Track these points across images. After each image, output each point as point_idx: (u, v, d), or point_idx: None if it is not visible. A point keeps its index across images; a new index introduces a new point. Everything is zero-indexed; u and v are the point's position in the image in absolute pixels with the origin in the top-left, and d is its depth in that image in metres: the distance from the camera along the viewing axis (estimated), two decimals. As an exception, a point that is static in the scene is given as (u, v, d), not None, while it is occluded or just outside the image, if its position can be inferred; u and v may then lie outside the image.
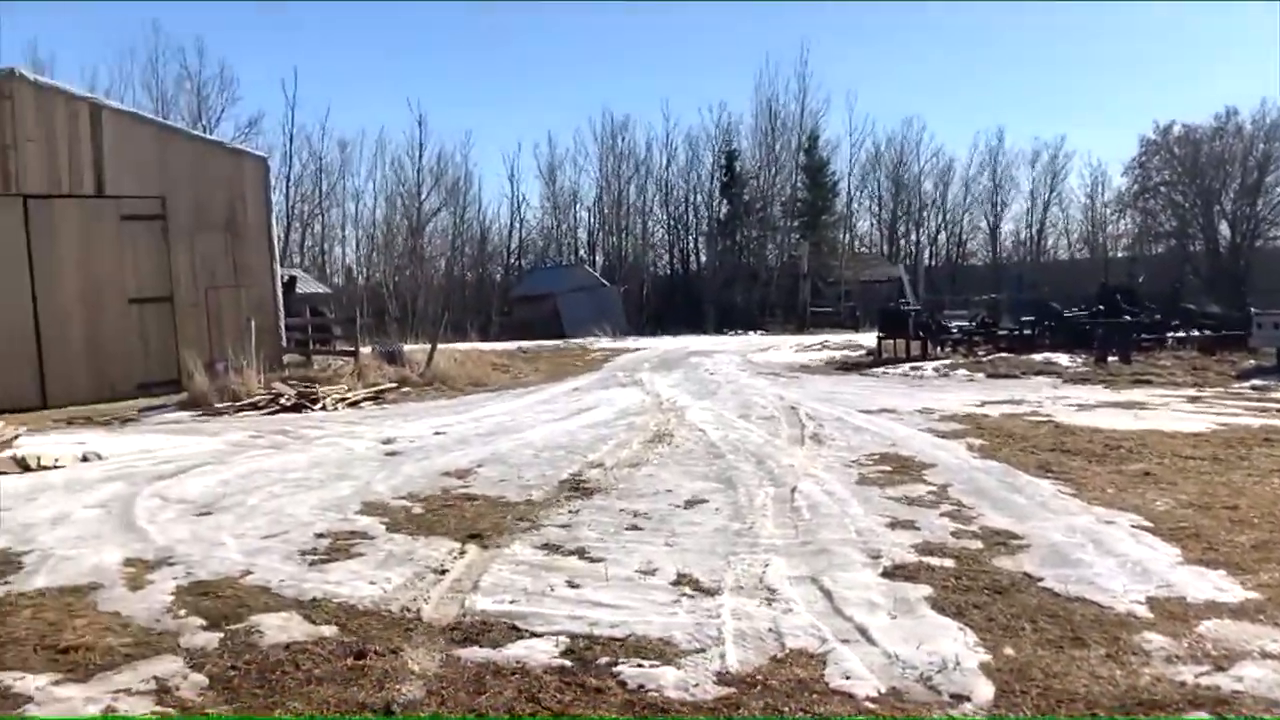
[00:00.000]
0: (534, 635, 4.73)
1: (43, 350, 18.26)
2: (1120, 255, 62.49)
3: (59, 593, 5.63)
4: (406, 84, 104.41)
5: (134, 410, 16.65)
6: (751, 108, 75.85)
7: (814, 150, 61.08)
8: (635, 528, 6.91)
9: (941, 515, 7.07)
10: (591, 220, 66.73)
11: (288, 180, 56.19)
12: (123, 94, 49.64)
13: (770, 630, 4.74)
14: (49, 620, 5.10)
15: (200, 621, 5.01)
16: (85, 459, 10.60)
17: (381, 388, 17.96)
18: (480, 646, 4.58)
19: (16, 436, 12.00)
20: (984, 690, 4.03)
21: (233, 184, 20.59)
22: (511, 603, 5.21)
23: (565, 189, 66.10)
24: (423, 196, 61.01)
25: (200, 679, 4.26)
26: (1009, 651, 4.43)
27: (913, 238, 68.53)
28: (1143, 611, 4.91)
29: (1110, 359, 19.04)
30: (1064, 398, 14.40)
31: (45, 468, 10.08)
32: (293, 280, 32.50)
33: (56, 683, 4.24)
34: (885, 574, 5.62)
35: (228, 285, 20.41)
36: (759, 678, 4.20)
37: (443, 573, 5.86)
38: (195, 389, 16.91)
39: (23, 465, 10.10)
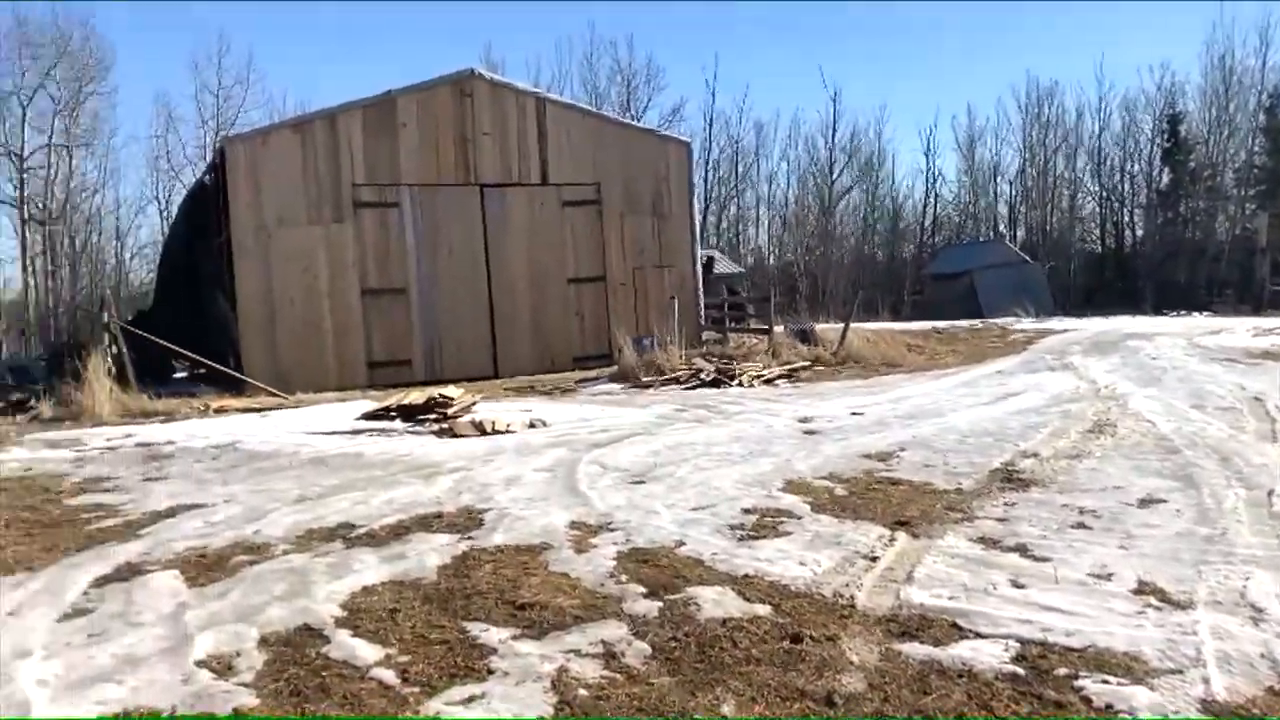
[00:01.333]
0: (979, 636, 4.41)
1: (495, 325, 20.28)
2: None
3: (515, 550, 6.07)
4: (822, 56, 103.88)
5: (571, 381, 17.98)
6: (1200, 66, 67.78)
7: (1276, 110, 53.74)
8: (1082, 525, 6.32)
9: None
10: (1013, 194, 63.19)
11: (706, 164, 58.31)
12: (562, 88, 53.81)
13: (1262, 656, 4.09)
14: (507, 576, 5.49)
15: (640, 589, 5.17)
16: (532, 425, 11.53)
17: (794, 366, 18.04)
18: (921, 643, 4.34)
19: (474, 403, 13.34)
20: None
21: (658, 169, 21.67)
22: (950, 599, 4.90)
23: (985, 161, 63.12)
24: (834, 175, 60.94)
25: (643, 647, 4.37)
26: None
27: None
28: None
29: None
30: None
31: (499, 432, 11.08)
32: (710, 260, 33.66)
33: (515, 637, 4.53)
34: None
35: (653, 265, 21.54)
36: (1254, 711, 3.62)
37: (873, 559, 5.66)
38: (624, 363, 17.96)
39: (480, 429, 11.16)
